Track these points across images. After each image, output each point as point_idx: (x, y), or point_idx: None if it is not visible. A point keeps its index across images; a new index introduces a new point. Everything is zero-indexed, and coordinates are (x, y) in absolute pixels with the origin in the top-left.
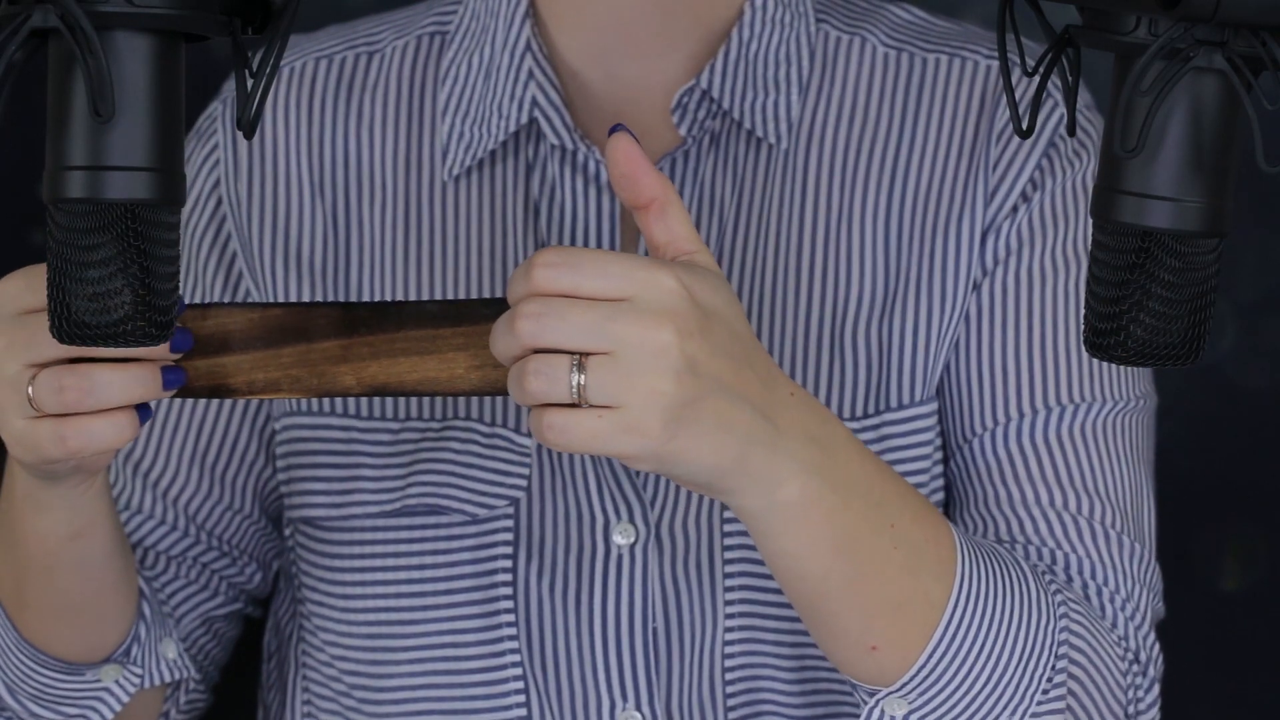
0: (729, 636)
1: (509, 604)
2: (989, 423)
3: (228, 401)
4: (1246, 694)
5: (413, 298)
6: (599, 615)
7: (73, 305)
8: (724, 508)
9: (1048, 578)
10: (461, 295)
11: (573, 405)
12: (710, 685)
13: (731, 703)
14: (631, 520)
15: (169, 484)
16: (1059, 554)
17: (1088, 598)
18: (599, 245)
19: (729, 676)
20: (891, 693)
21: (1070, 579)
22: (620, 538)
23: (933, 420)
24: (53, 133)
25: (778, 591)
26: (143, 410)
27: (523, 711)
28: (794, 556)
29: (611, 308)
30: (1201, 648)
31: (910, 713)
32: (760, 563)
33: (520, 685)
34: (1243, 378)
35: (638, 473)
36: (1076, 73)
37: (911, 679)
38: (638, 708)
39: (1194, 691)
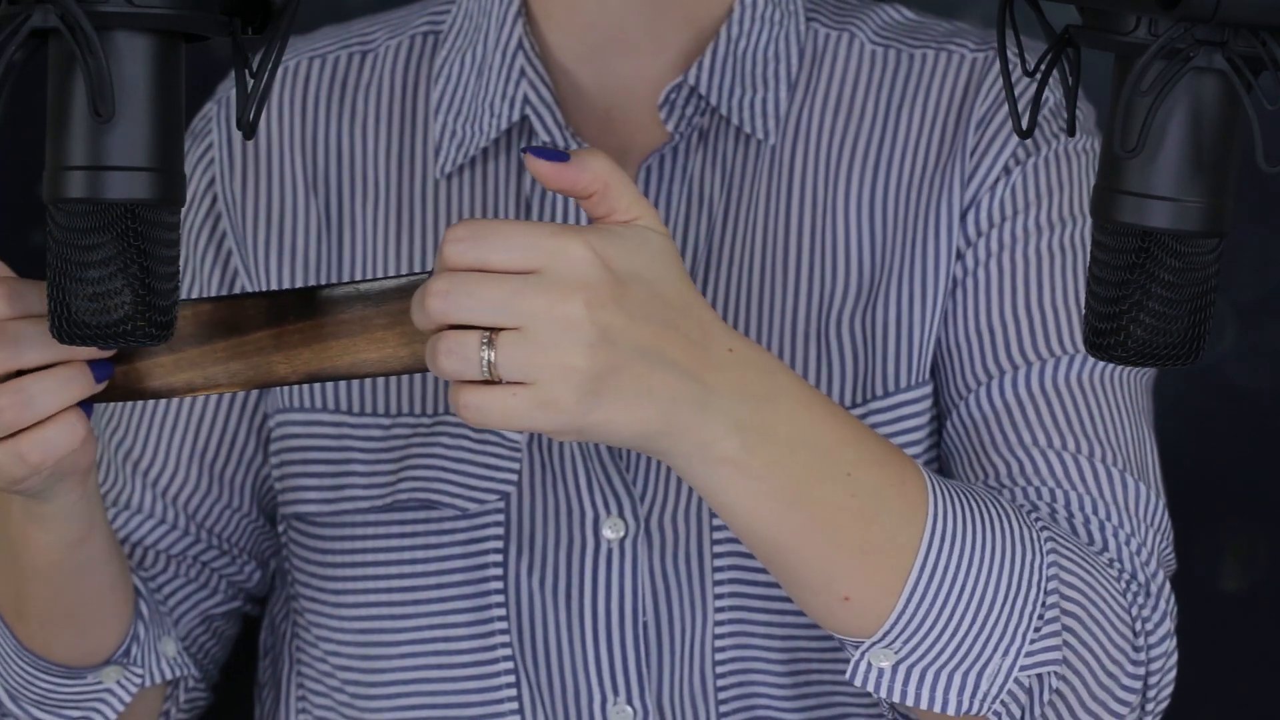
0: (719, 630)
1: (500, 598)
2: (982, 377)
3: (225, 399)
4: (1246, 694)
5: None
6: (589, 609)
7: (73, 305)
8: None
9: (1034, 515)
10: None
11: (489, 382)
12: (701, 678)
13: (723, 695)
14: (621, 515)
15: (168, 482)
16: (1059, 493)
17: (1090, 535)
18: None
19: (720, 669)
20: (875, 643)
21: (1071, 515)
22: (610, 532)
23: (924, 405)
24: (53, 133)
25: (767, 584)
26: (84, 406)
27: (514, 705)
28: (741, 512)
29: (520, 281)
30: (1201, 648)
31: (898, 663)
32: (749, 555)
33: (511, 679)
34: (1243, 378)
35: (628, 467)
36: (1076, 73)
37: (892, 627)
38: (629, 701)
39: (1194, 691)
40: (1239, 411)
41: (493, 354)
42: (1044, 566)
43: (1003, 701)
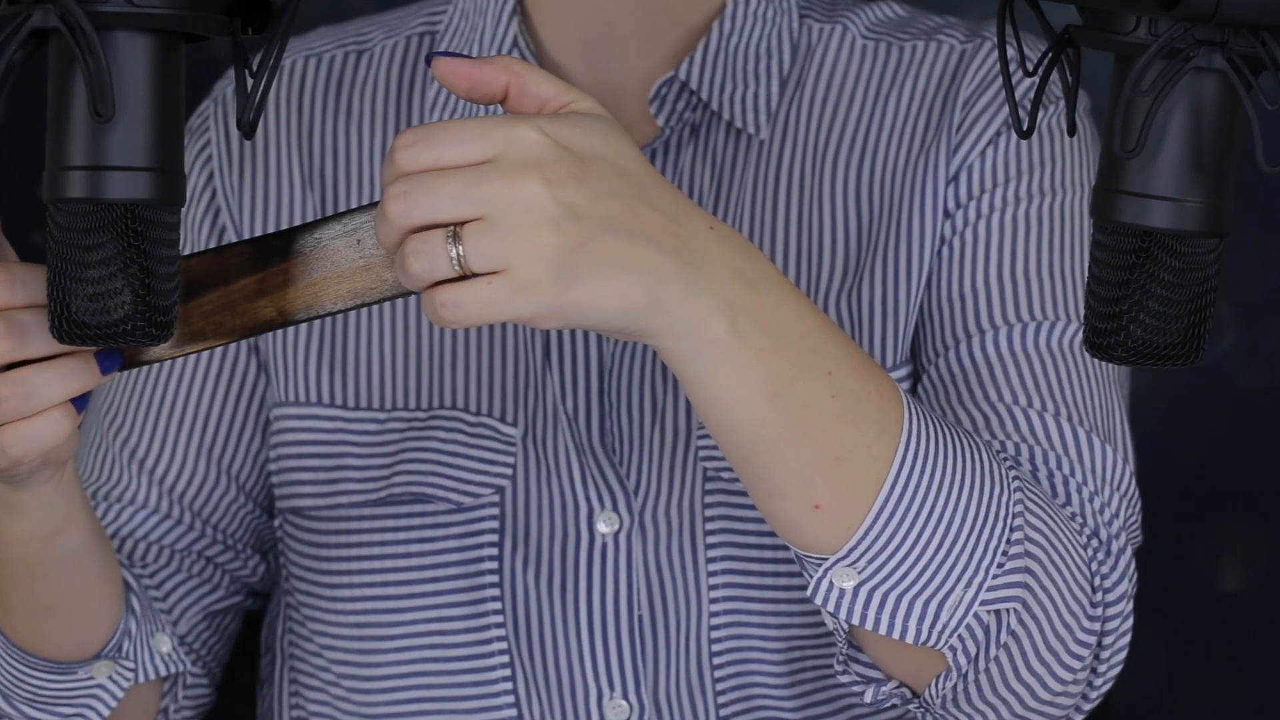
0: (714, 621)
1: (495, 592)
2: (960, 336)
3: (232, 394)
4: (1246, 694)
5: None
6: (584, 604)
7: (72, 305)
8: (706, 492)
9: (1001, 456)
10: None
11: (461, 278)
12: (698, 671)
13: (720, 687)
14: (615, 509)
15: (174, 478)
16: (1024, 447)
17: (1054, 489)
18: None
19: (716, 661)
20: (839, 560)
21: (1036, 469)
22: (604, 526)
23: (906, 386)
24: (53, 133)
25: (762, 574)
26: (78, 400)
27: (510, 699)
28: (725, 404)
29: (475, 171)
30: (1201, 648)
31: (860, 584)
32: (743, 546)
33: (507, 673)
34: (1243, 378)
35: (621, 461)
36: (1076, 73)
37: (859, 542)
38: (624, 696)
39: (1194, 691)
40: (1239, 411)
41: (460, 248)
42: (1011, 504)
43: (960, 636)
